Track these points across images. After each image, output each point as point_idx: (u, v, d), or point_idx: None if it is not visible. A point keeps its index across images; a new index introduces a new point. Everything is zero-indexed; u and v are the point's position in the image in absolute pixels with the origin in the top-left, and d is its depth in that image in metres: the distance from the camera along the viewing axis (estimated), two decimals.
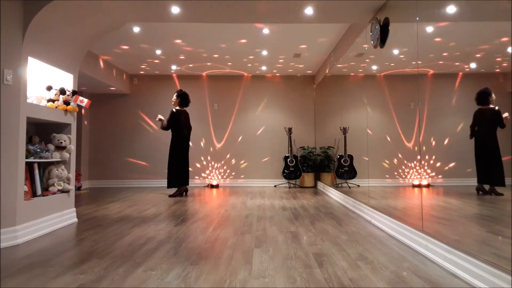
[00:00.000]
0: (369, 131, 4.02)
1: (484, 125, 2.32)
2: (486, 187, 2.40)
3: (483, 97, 2.28)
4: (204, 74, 7.63)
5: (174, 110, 5.78)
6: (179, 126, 5.76)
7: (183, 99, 5.86)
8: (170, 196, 5.77)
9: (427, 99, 2.72)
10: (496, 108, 2.19)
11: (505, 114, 2.04)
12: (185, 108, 5.90)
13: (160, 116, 5.67)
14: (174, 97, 5.87)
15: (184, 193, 5.89)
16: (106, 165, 7.57)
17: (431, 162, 2.72)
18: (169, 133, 5.73)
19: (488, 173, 2.38)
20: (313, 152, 7.29)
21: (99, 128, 7.61)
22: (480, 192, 2.49)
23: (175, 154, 5.73)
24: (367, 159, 4.00)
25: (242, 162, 7.70)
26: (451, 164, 2.63)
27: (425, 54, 2.74)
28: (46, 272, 2.14)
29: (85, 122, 7.37)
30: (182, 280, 2.00)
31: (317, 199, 5.42)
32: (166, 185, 5.82)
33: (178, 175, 5.71)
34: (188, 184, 5.86)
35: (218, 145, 7.70)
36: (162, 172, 7.49)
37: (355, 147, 5.18)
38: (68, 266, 2.25)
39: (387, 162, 3.70)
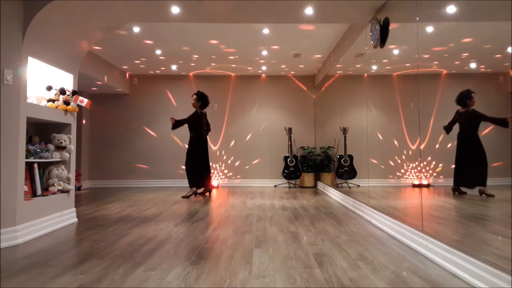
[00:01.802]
0: (369, 131, 4.02)
1: (465, 126, 2.33)
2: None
3: (463, 98, 2.29)
4: (204, 73, 7.62)
5: (199, 111, 5.72)
6: (199, 127, 5.72)
7: (204, 100, 5.77)
8: (183, 197, 5.72)
9: (427, 99, 2.72)
10: (470, 109, 2.22)
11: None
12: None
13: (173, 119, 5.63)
14: (194, 99, 5.74)
15: (194, 194, 5.76)
16: (106, 165, 7.57)
17: (432, 161, 2.72)
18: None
19: (469, 174, 2.38)
20: (313, 152, 7.29)
21: (99, 128, 7.61)
22: (456, 193, 2.52)
23: (194, 155, 5.69)
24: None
25: (242, 162, 7.70)
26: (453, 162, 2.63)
27: (425, 54, 2.74)
28: (46, 272, 2.14)
29: (84, 121, 7.37)
30: (182, 280, 2.00)
31: (317, 199, 5.42)
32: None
33: (198, 175, 5.68)
34: (204, 186, 5.81)
35: (218, 145, 7.70)
36: (162, 172, 7.51)
37: (355, 147, 5.18)
38: (68, 266, 2.25)
39: (387, 161, 3.70)
